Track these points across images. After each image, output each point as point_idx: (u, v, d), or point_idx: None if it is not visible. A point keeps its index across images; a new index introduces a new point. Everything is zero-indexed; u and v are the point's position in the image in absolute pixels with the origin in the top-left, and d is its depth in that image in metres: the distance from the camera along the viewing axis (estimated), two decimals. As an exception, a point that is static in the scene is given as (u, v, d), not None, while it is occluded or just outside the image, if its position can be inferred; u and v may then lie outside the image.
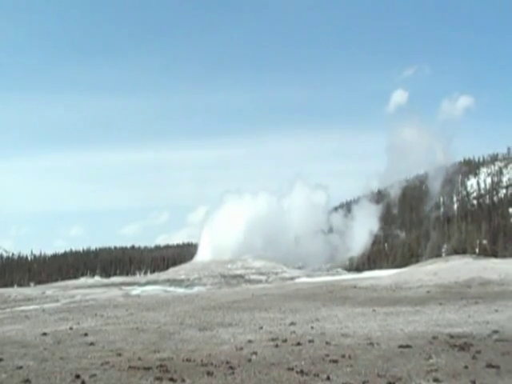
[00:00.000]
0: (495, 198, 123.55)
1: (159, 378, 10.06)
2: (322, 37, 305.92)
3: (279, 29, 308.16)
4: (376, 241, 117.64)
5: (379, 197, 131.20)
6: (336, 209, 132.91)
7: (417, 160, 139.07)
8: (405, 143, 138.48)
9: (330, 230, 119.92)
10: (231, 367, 10.90)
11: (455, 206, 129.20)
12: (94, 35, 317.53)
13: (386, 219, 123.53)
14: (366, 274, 65.69)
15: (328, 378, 9.66)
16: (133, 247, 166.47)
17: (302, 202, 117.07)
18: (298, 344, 13.48)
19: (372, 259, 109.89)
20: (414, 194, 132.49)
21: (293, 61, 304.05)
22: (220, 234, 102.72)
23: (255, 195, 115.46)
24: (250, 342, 14.31)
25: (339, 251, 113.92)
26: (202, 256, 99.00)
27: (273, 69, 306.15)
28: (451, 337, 13.70)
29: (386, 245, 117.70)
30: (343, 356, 11.62)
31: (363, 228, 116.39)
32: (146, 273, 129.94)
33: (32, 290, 56.89)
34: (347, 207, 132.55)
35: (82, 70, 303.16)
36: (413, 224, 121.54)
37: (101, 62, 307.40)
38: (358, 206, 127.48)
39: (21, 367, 11.63)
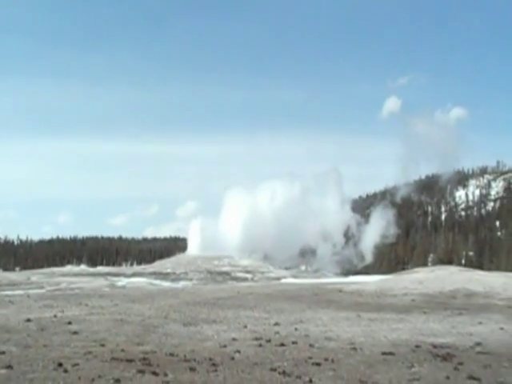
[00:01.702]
0: (483, 211, 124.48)
1: (141, 371, 10.00)
2: (324, 42, 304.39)
3: (284, 31, 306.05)
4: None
5: (386, 200, 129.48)
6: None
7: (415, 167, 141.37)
8: (412, 148, 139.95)
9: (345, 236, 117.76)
10: (214, 364, 10.88)
11: (443, 216, 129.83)
12: (97, 24, 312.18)
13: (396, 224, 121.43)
14: (352, 278, 66.04)
15: (310, 381, 9.65)
16: (120, 238, 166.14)
17: (321, 206, 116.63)
18: (282, 345, 13.48)
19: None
20: (403, 201, 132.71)
21: (296, 64, 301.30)
22: (221, 230, 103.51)
23: (269, 191, 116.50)
24: (233, 340, 14.31)
25: (348, 257, 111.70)
26: (190, 250, 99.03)
27: (276, 70, 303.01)
28: (434, 346, 13.74)
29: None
30: (326, 359, 11.64)
31: (372, 234, 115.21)
32: (132, 264, 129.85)
33: (17, 275, 56.81)
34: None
35: (86, 59, 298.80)
36: (401, 232, 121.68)
37: (104, 52, 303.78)
38: (367, 211, 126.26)
39: (3, 352, 11.58)
